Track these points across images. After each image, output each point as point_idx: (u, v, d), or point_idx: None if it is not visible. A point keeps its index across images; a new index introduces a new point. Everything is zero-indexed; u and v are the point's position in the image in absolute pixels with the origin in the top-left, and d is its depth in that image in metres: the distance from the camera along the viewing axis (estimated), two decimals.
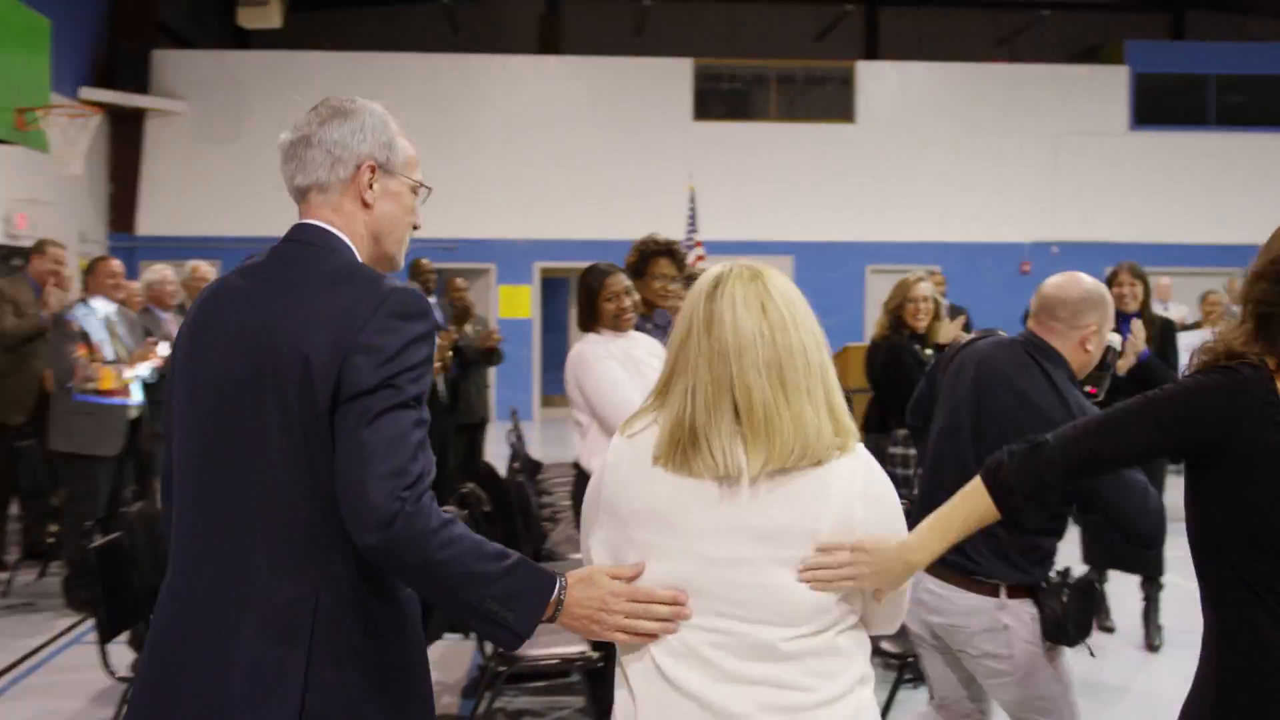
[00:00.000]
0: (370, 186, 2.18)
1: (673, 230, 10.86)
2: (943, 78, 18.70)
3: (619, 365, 4.48)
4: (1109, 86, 18.91)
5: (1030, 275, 18.42)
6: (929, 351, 6.31)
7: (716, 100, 18.68)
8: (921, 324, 6.54)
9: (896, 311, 6.62)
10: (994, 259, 18.50)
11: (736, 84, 19.03)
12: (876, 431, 6.70)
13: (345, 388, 1.98)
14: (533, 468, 8.03)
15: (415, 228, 2.28)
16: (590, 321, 4.67)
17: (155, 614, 2.15)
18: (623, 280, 4.64)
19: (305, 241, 2.16)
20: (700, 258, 12.94)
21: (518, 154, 17.48)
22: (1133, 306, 5.96)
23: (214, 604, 2.04)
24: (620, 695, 2.10)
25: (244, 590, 2.02)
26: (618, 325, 4.61)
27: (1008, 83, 18.60)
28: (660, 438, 2.06)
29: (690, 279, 4.03)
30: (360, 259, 2.17)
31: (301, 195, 2.19)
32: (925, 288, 6.59)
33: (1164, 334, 6.12)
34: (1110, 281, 6.07)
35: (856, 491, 2.05)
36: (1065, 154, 18.61)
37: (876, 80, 18.64)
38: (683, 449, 2.03)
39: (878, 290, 13.76)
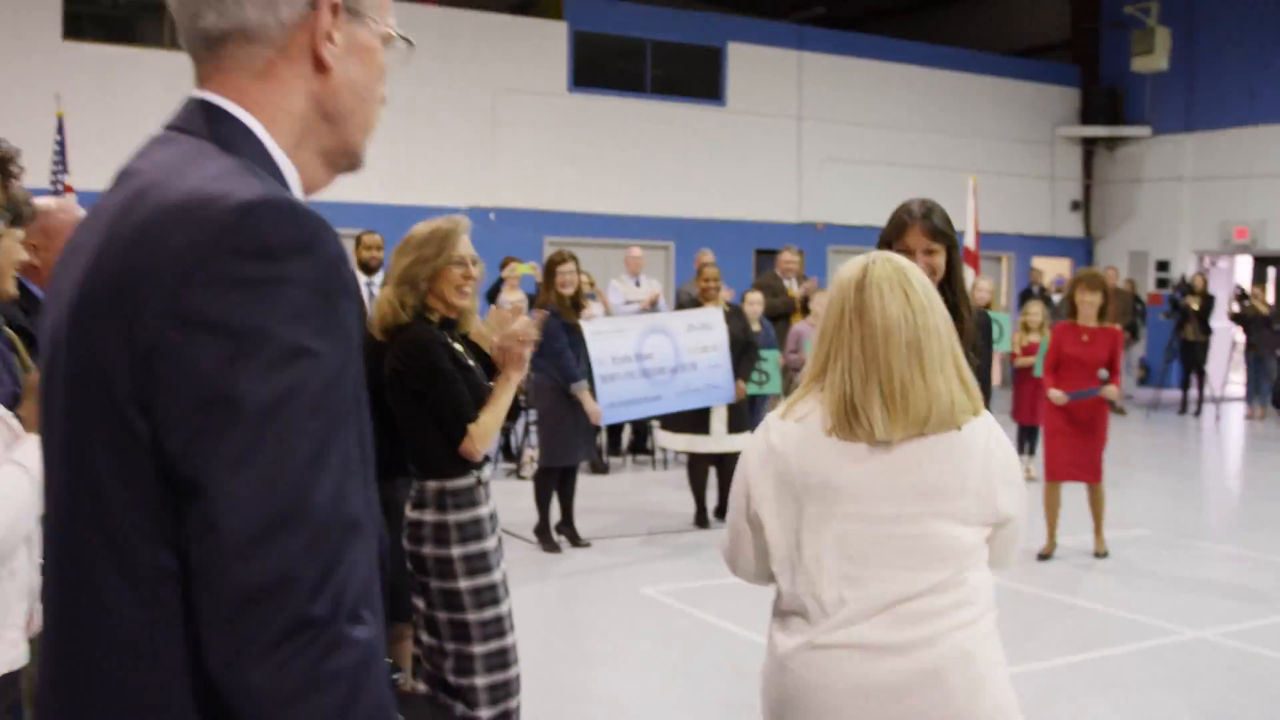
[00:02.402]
0: (330, 37, 1.42)
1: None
2: None
3: None
4: (549, 42, 17.91)
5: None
6: None
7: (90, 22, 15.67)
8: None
9: None
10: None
11: None
12: None
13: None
14: None
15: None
16: None
17: None
18: None
19: (191, 132, 1.38)
20: (69, 187, 10.32)
21: None
22: None
23: None
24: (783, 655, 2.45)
25: None
26: None
27: (442, 30, 17.01)
28: (826, 412, 2.43)
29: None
30: (284, 161, 1.42)
31: (208, 48, 1.41)
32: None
33: None
34: None
35: (992, 442, 2.46)
36: (505, 113, 17.38)
37: None
38: (846, 420, 2.40)
39: None
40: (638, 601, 7.07)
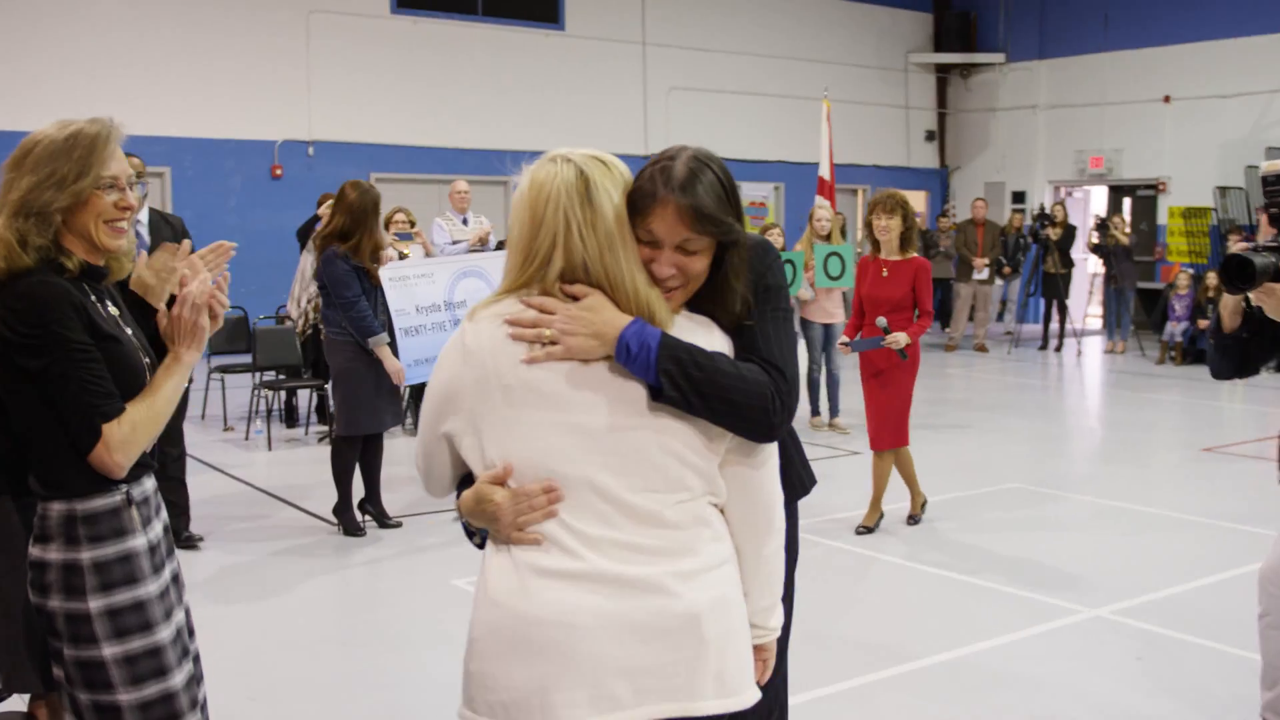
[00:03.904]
0: None
1: None
2: None
3: None
4: None
5: (283, 179, 15.63)
6: None
7: None
8: None
9: None
10: (239, 159, 15.38)
11: None
12: None
13: None
14: None
15: None
16: None
17: None
18: None
19: None
20: None
21: None
22: None
23: None
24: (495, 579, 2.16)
25: None
26: None
27: None
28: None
29: None
30: None
31: None
32: None
33: None
34: None
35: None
36: (320, 37, 15.82)
37: None
38: None
39: None
40: (447, 596, 5.91)
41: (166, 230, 6.25)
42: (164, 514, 2.88)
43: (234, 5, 15.21)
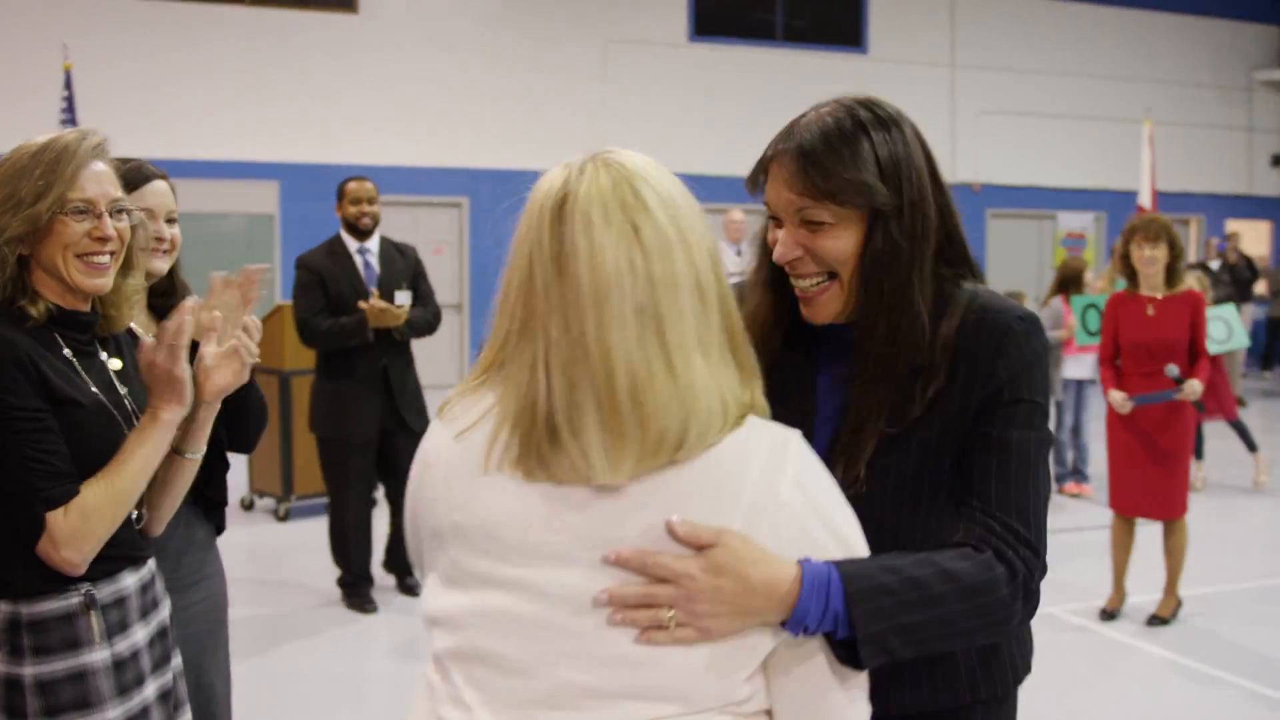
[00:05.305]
0: None
1: None
2: None
3: None
4: None
5: None
6: None
7: None
8: None
9: None
10: (532, 189, 15.51)
11: None
12: None
13: None
14: None
15: None
16: None
17: None
18: None
19: None
20: None
21: None
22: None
23: None
24: None
25: None
26: None
27: None
28: (498, 433, 1.38)
29: None
30: None
31: None
32: None
33: None
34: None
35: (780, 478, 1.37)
36: (617, 66, 15.78)
37: None
38: (535, 449, 1.35)
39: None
40: None
41: (400, 261, 6.00)
42: (162, 612, 2.31)
43: (532, 35, 15.38)
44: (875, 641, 1.43)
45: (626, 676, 1.34)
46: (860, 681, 1.47)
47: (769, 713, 1.43)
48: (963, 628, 1.54)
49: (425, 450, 1.50)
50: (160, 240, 2.71)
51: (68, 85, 9.49)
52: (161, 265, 2.74)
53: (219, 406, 2.35)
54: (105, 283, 2.19)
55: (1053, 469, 8.97)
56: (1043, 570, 1.63)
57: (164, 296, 2.79)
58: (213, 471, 2.67)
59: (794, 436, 1.41)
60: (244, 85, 13.97)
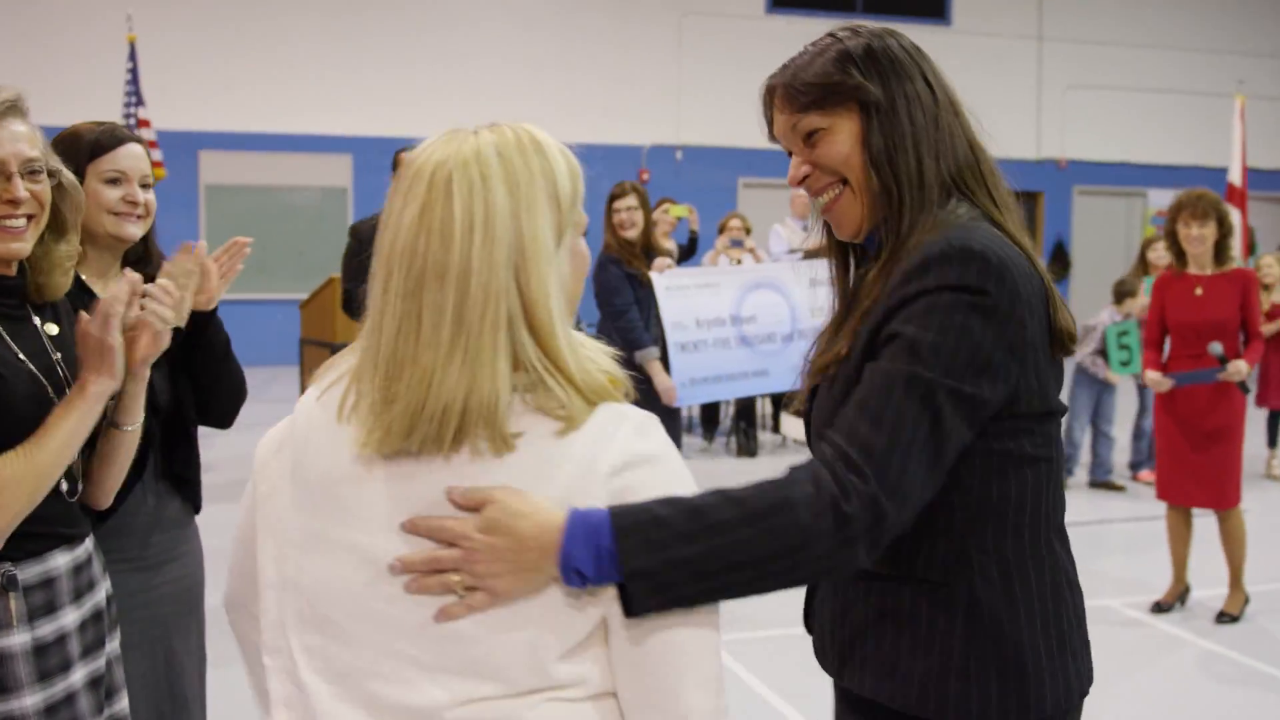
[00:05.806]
0: None
1: None
2: None
3: None
4: None
5: (649, 184, 15.56)
6: None
7: None
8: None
9: None
10: (606, 165, 15.47)
11: None
12: None
13: None
14: None
15: None
16: None
17: None
18: None
19: None
20: (153, 143, 9.26)
21: None
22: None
23: None
24: None
25: None
26: None
27: None
28: (346, 395, 1.40)
29: None
30: None
31: None
32: None
33: None
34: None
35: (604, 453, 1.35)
36: (692, 39, 15.67)
37: None
38: (341, 405, 1.40)
39: None
40: None
41: None
42: (98, 593, 2.22)
43: (608, 9, 15.33)
44: (645, 577, 1.32)
45: (446, 649, 1.33)
46: (704, 666, 1.37)
47: (613, 699, 1.38)
48: (756, 555, 1.39)
49: (295, 411, 1.48)
50: (134, 205, 2.61)
51: (131, 57, 9.63)
52: (135, 230, 2.64)
53: (147, 376, 2.29)
54: (22, 247, 2.08)
55: (1127, 455, 8.74)
56: (877, 500, 1.46)
57: (138, 264, 2.68)
58: (175, 447, 2.67)
59: (635, 416, 1.37)
60: (317, 58, 14.15)
